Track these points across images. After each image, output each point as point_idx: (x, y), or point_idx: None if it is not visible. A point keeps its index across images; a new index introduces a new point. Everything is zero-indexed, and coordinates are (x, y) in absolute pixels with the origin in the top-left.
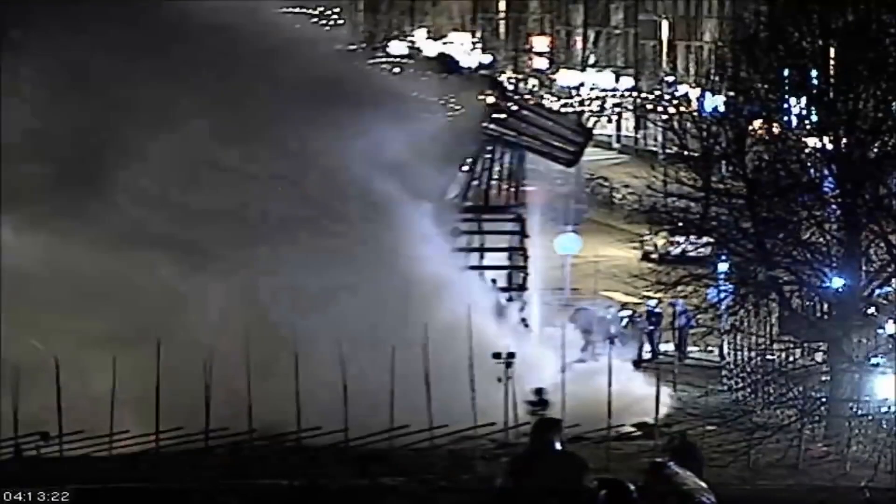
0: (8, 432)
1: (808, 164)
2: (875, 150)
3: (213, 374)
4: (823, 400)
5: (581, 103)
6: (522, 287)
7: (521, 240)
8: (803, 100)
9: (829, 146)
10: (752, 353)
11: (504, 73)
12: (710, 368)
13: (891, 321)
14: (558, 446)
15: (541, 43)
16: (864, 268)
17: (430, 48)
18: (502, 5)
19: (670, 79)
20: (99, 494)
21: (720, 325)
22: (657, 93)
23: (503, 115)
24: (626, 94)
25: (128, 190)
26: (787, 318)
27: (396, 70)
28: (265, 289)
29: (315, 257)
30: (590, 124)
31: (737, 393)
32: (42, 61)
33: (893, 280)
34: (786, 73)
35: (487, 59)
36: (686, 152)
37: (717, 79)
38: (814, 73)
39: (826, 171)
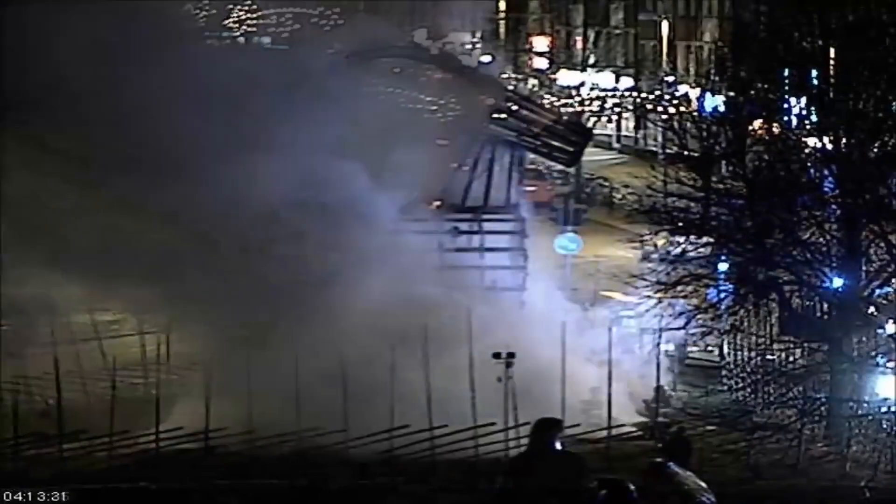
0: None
1: (808, 164)
2: (875, 150)
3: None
4: (823, 400)
5: (581, 103)
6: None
7: (521, 240)
8: (803, 100)
9: (829, 146)
10: (752, 353)
11: (504, 73)
12: (710, 368)
13: (891, 321)
14: (558, 446)
15: (541, 43)
16: (864, 268)
17: (430, 48)
18: (502, 5)
19: (670, 79)
20: (99, 494)
21: (720, 325)
22: (657, 93)
23: (503, 115)
24: (626, 94)
25: None
26: (787, 318)
27: (396, 70)
28: None
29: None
30: (590, 124)
31: (737, 393)
32: None
33: (893, 280)
34: (786, 73)
35: (487, 59)
36: (686, 152)
37: (717, 79)
38: (814, 73)
39: (826, 172)
